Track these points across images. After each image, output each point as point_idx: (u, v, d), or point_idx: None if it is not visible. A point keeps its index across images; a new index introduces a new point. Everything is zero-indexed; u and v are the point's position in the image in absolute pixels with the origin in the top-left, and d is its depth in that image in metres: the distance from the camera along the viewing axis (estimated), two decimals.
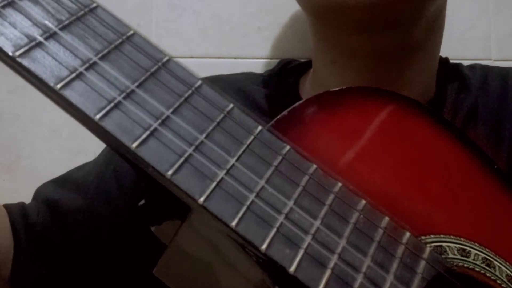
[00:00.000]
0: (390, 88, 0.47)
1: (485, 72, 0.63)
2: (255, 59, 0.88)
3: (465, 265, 0.41)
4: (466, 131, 0.58)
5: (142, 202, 0.39)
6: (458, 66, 0.65)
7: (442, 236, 0.41)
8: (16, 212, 0.59)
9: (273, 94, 0.64)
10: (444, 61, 0.65)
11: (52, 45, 0.34)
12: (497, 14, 0.88)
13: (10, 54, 0.32)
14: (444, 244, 0.41)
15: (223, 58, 0.91)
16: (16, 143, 1.11)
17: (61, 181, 0.64)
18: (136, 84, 0.35)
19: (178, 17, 0.95)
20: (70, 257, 0.60)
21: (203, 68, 0.91)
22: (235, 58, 0.89)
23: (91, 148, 1.10)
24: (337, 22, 0.57)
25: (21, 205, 0.61)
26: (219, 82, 0.67)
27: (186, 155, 0.34)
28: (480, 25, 0.86)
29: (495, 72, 0.63)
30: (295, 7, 0.86)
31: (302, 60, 0.70)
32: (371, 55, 0.58)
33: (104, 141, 0.34)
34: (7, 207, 0.59)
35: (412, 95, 0.48)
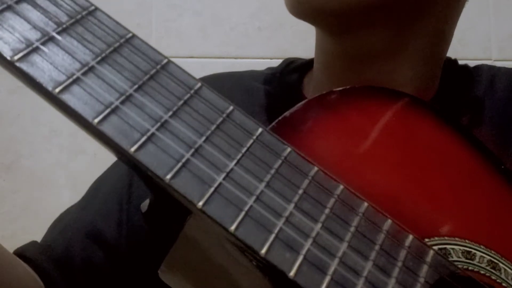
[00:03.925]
0: None
1: (492, 72, 0.63)
2: (255, 59, 0.88)
3: (470, 268, 0.41)
4: (472, 131, 0.57)
5: (146, 208, 0.39)
6: (465, 67, 0.65)
7: (446, 238, 0.41)
8: (36, 254, 0.57)
9: (276, 92, 0.64)
10: (453, 62, 0.65)
11: (50, 48, 0.33)
12: (497, 14, 0.88)
13: (9, 58, 0.32)
14: (448, 246, 0.41)
15: (223, 58, 0.91)
16: (16, 143, 1.11)
17: (87, 202, 0.63)
18: (135, 87, 0.35)
19: (178, 17, 0.95)
20: (118, 279, 0.59)
21: (203, 68, 0.90)
22: (235, 58, 0.89)
23: (91, 148, 1.10)
24: (317, 25, 0.58)
25: (36, 245, 0.59)
26: (222, 79, 0.67)
27: (185, 158, 0.33)
28: (480, 25, 0.86)
29: (502, 73, 0.63)
30: None
31: (306, 59, 0.70)
32: (355, 57, 0.58)
33: (103, 145, 0.34)
34: (21, 253, 0.57)
35: None
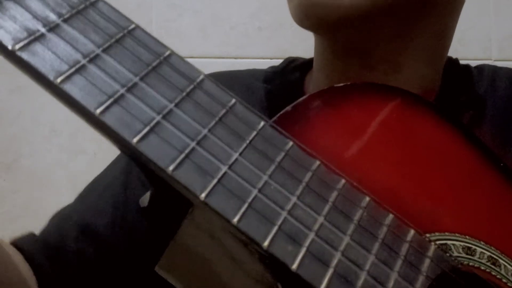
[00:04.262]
0: None
1: (493, 73, 0.63)
2: (255, 59, 0.88)
3: (470, 264, 0.41)
4: (473, 129, 0.57)
5: (145, 203, 0.39)
6: (467, 67, 0.65)
7: (447, 234, 0.41)
8: (32, 246, 0.57)
9: (277, 90, 0.64)
10: (454, 62, 0.65)
11: (52, 38, 0.33)
12: (497, 14, 0.88)
13: (10, 47, 0.32)
14: (449, 242, 0.41)
15: (223, 58, 0.91)
16: (16, 143, 1.11)
17: (83, 198, 0.63)
18: (137, 78, 0.34)
19: (178, 17, 0.95)
20: (107, 277, 0.59)
21: (203, 68, 0.90)
22: (235, 58, 0.88)
23: (91, 148, 1.10)
24: (324, 36, 0.58)
25: (33, 238, 0.59)
26: (224, 77, 0.67)
27: (187, 150, 0.33)
28: (480, 25, 0.86)
29: (504, 72, 0.63)
30: None
31: (307, 58, 0.70)
32: (359, 60, 0.58)
33: (105, 136, 0.34)
34: (17, 244, 0.57)
35: None
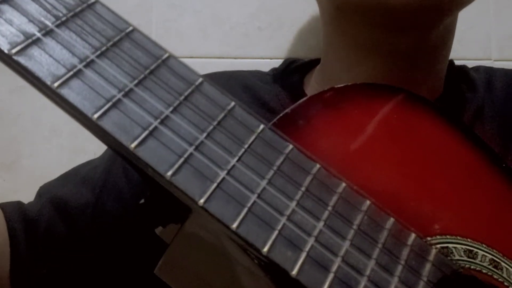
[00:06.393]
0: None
1: (489, 73, 0.63)
2: (255, 59, 0.87)
3: (472, 267, 0.40)
4: (473, 129, 0.57)
5: (142, 201, 0.38)
6: (463, 67, 0.65)
7: (448, 237, 0.41)
8: (12, 210, 0.58)
9: (278, 91, 0.64)
10: (450, 63, 0.64)
11: (49, 42, 0.33)
12: (497, 14, 0.87)
13: (6, 51, 0.31)
14: (450, 245, 0.40)
15: (223, 58, 0.90)
16: (16, 143, 1.10)
17: (66, 177, 0.64)
18: (135, 82, 0.34)
19: (178, 17, 0.95)
20: (76, 254, 0.59)
21: (203, 68, 0.90)
22: (235, 58, 0.88)
23: (91, 148, 1.09)
24: (369, 20, 0.55)
25: (18, 203, 0.60)
26: (223, 77, 0.66)
27: (186, 155, 0.33)
28: (480, 25, 0.86)
29: (500, 73, 0.63)
30: (295, 7, 0.86)
31: (306, 59, 0.69)
32: (387, 54, 0.57)
33: (103, 141, 0.34)
34: (1, 205, 0.59)
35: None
